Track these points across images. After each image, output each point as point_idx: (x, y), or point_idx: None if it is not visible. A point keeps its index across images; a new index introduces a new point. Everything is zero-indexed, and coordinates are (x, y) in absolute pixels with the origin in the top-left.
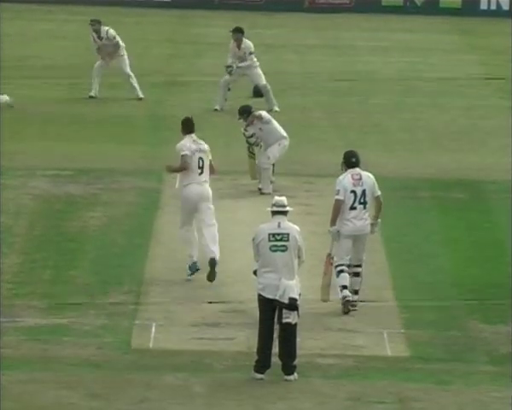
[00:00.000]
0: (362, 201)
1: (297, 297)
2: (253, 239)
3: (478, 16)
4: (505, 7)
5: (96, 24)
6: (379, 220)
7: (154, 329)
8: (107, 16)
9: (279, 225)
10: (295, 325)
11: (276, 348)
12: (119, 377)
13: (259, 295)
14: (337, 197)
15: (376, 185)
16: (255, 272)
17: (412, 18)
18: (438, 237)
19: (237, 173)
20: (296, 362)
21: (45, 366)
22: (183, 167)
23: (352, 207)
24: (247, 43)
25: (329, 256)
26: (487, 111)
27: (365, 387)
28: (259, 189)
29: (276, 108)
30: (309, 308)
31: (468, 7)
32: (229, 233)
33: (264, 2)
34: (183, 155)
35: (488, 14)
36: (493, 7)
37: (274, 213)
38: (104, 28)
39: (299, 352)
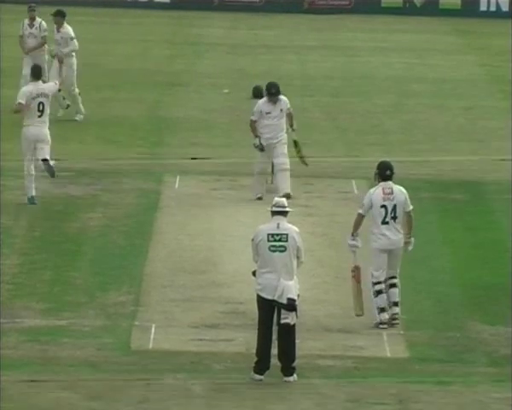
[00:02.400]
0: (393, 215)
1: (295, 298)
2: (253, 239)
3: (477, 17)
4: (505, 8)
5: (34, 10)
6: (412, 239)
7: (153, 330)
8: (107, 17)
9: (278, 226)
10: (294, 325)
11: (275, 350)
12: (119, 378)
13: (258, 296)
14: (359, 211)
15: (408, 200)
16: (254, 273)
17: (412, 19)
18: (438, 237)
19: (237, 174)
20: (295, 363)
21: (45, 366)
22: (16, 111)
23: (384, 222)
24: (68, 28)
25: (354, 269)
26: (487, 112)
27: (365, 388)
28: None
29: (78, 118)
30: (308, 309)
31: (467, 8)
32: (228, 234)
33: (264, 3)
34: (17, 103)
35: (488, 15)
36: (493, 8)
37: (273, 213)
38: (39, 19)
39: (298, 353)
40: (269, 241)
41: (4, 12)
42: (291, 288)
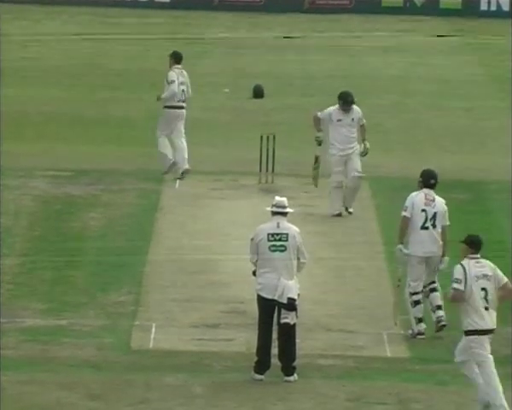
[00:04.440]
0: (432, 223)
1: (296, 297)
2: (252, 239)
3: (478, 17)
4: (505, 7)
5: None
6: (446, 258)
7: (153, 329)
8: (107, 17)
9: (278, 226)
10: (294, 325)
11: (275, 349)
12: (119, 378)
13: (258, 296)
14: (403, 214)
15: (447, 215)
16: (254, 273)
17: (412, 18)
18: None
19: (237, 174)
20: (296, 363)
21: (45, 366)
22: None
23: (424, 227)
24: None
25: (401, 279)
26: (487, 112)
27: (365, 388)
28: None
29: None
30: (309, 309)
31: (468, 7)
32: (228, 234)
33: (264, 3)
34: None
35: (488, 14)
36: (493, 8)
37: (273, 213)
38: None
39: (299, 352)
40: (269, 240)
41: (4, 12)
42: (291, 287)
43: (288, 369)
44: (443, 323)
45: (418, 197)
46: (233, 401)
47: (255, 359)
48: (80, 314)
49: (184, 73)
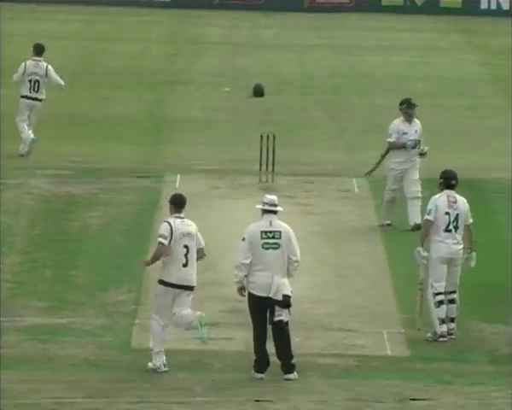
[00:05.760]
0: (455, 225)
1: (290, 294)
2: (244, 239)
3: (478, 16)
4: (505, 6)
5: None
6: (474, 254)
7: None
8: (107, 16)
9: (271, 224)
10: (287, 323)
11: (273, 348)
12: (119, 377)
13: (250, 294)
14: (427, 217)
15: (469, 213)
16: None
17: (412, 17)
18: None
19: (237, 173)
20: (294, 360)
21: (45, 365)
22: None
23: (447, 230)
24: None
25: (422, 282)
26: (488, 111)
27: (365, 387)
28: (417, 225)
29: None
30: (309, 308)
31: (468, 6)
32: (228, 233)
33: (264, 2)
34: None
35: (488, 13)
36: (493, 6)
37: (265, 211)
38: None
39: (299, 351)
40: (262, 238)
41: (4, 12)
42: (286, 285)
43: (288, 367)
44: (452, 337)
45: (441, 200)
46: (233, 399)
47: (254, 358)
48: (80, 313)
49: (42, 65)
